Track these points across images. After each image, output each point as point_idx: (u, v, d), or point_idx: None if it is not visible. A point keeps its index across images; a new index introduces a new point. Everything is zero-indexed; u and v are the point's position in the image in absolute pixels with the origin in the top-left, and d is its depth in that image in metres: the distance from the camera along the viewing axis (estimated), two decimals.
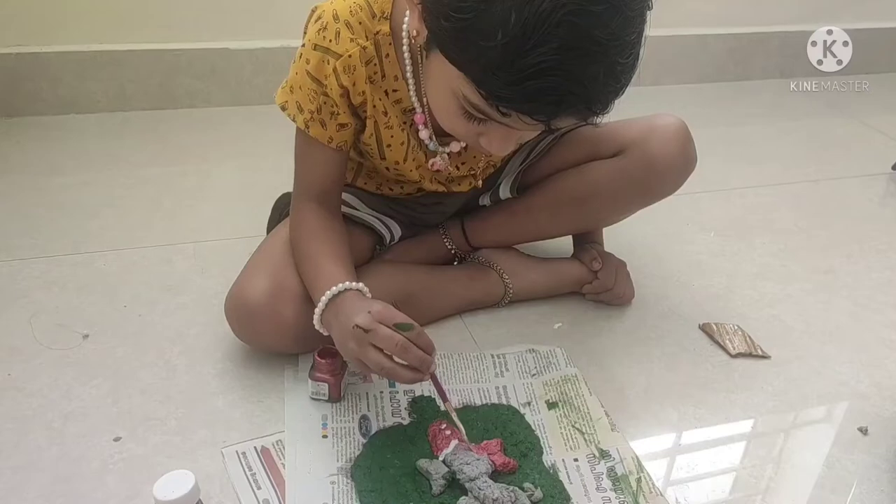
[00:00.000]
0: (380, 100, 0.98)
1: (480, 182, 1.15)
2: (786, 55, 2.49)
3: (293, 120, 0.98)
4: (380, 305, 0.86)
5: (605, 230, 1.29)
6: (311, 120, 0.97)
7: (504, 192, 1.18)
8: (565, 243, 1.30)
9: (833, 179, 1.80)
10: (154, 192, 1.54)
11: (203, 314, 1.14)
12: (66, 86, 1.86)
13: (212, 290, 1.18)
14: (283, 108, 0.98)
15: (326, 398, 0.97)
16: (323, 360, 0.96)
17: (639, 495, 0.87)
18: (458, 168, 1.10)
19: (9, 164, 1.62)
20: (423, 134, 1.01)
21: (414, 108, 0.99)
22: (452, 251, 1.23)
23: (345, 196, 1.13)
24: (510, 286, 1.18)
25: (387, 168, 1.07)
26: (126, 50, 1.87)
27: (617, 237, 1.30)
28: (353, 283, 0.91)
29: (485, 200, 1.21)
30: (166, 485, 0.74)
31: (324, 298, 0.90)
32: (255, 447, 0.91)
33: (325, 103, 0.96)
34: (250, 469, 0.88)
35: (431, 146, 1.03)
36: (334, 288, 0.90)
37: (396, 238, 1.18)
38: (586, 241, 1.25)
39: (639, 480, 0.88)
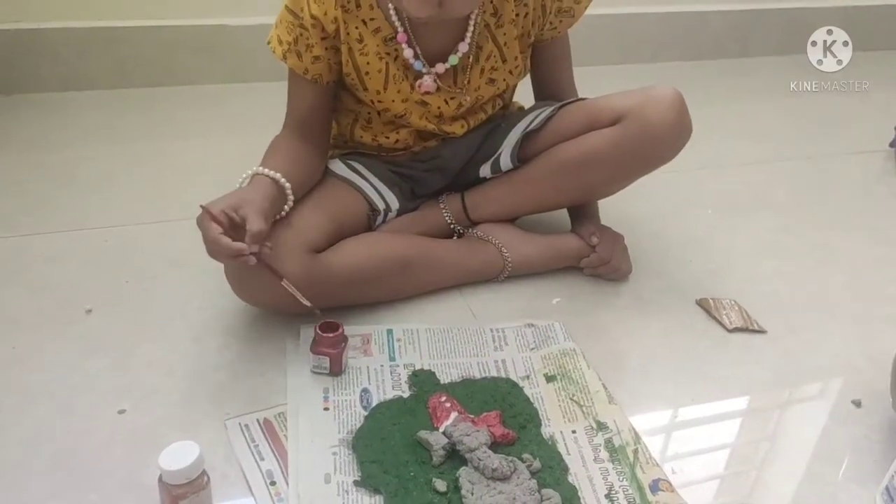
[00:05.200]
0: (356, 28, 1.05)
1: (470, 123, 1.19)
2: (786, 32, 2.49)
3: (273, 52, 1.08)
4: (211, 203, 0.93)
5: (602, 207, 1.29)
6: (288, 51, 1.07)
7: (505, 161, 1.19)
8: (563, 220, 1.30)
9: (830, 156, 1.81)
10: (154, 169, 1.55)
11: (204, 289, 1.15)
12: (64, 63, 1.85)
13: (213, 265, 1.16)
14: (269, 42, 1.08)
15: (328, 372, 0.98)
16: (324, 334, 0.97)
17: (636, 466, 0.88)
18: (447, 103, 1.14)
19: (8, 141, 1.62)
20: (407, 53, 1.08)
21: (395, 34, 1.06)
22: (451, 225, 1.24)
23: (351, 161, 1.19)
24: (508, 260, 1.19)
25: (371, 101, 1.12)
26: (125, 26, 1.87)
27: (615, 213, 1.31)
28: (262, 169, 1.00)
29: (485, 171, 1.22)
30: (172, 455, 0.76)
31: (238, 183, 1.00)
32: (257, 419, 0.92)
33: (301, 35, 1.06)
34: (253, 440, 0.89)
35: (417, 65, 1.09)
36: (246, 173, 1.00)
37: (393, 210, 1.20)
38: (584, 216, 1.26)
39: (636, 452, 0.90)
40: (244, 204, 0.93)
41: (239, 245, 0.90)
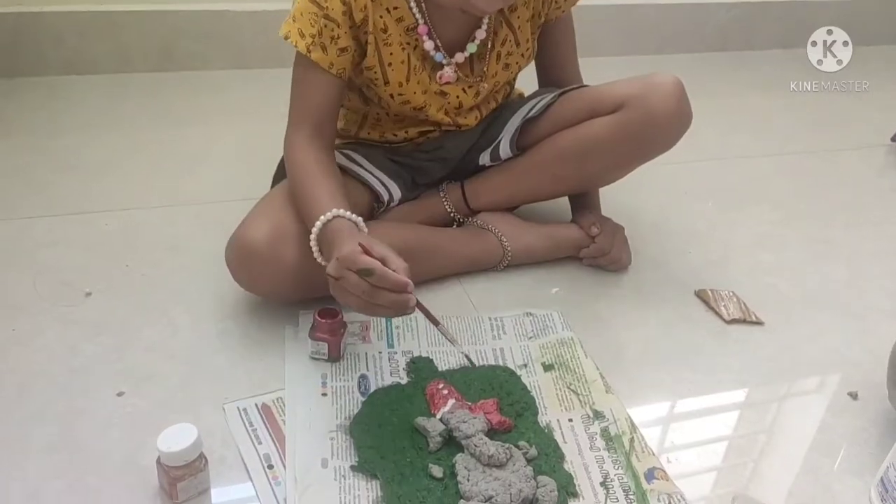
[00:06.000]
0: (380, 17, 1.03)
1: (483, 112, 1.19)
2: (789, 25, 2.48)
3: (295, 46, 1.02)
4: (347, 248, 0.85)
5: (603, 198, 1.29)
6: (312, 44, 1.01)
7: (504, 149, 1.19)
8: (564, 210, 1.31)
9: (832, 150, 1.81)
10: (156, 154, 1.55)
11: (205, 275, 1.15)
12: (67, 47, 1.85)
13: (213, 252, 1.17)
14: (286, 38, 1.03)
15: (326, 357, 0.98)
16: (323, 320, 0.97)
17: (631, 455, 0.88)
18: (465, 91, 1.13)
19: (11, 125, 1.63)
20: (428, 45, 1.07)
21: (416, 25, 1.05)
22: (451, 214, 1.24)
23: (348, 151, 1.17)
24: (508, 249, 1.20)
25: (391, 96, 1.10)
26: (127, 11, 1.86)
27: (615, 204, 1.31)
28: (341, 211, 0.93)
29: (485, 159, 1.22)
30: (170, 437, 0.76)
31: (315, 230, 0.93)
32: (255, 404, 0.92)
33: (325, 27, 1.01)
34: (251, 425, 0.89)
35: (438, 57, 1.09)
36: (323, 217, 0.92)
37: (396, 200, 1.19)
38: (584, 207, 1.26)
39: (632, 441, 0.90)
40: (372, 243, 0.86)
41: (405, 278, 0.83)
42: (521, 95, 1.30)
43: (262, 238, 0.98)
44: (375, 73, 1.08)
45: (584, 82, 1.24)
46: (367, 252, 0.84)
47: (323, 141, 1.06)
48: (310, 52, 1.01)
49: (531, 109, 1.18)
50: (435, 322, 0.92)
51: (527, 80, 1.29)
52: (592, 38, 2.01)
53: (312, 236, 0.94)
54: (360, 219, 0.94)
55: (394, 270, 0.83)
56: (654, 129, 1.10)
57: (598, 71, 1.34)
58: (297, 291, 1.04)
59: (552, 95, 1.18)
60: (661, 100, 1.09)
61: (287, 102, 1.09)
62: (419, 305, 0.88)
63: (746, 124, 1.93)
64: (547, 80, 1.27)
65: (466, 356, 0.94)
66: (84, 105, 1.75)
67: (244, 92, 1.90)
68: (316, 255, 0.95)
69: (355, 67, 1.08)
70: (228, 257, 1.03)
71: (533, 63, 1.24)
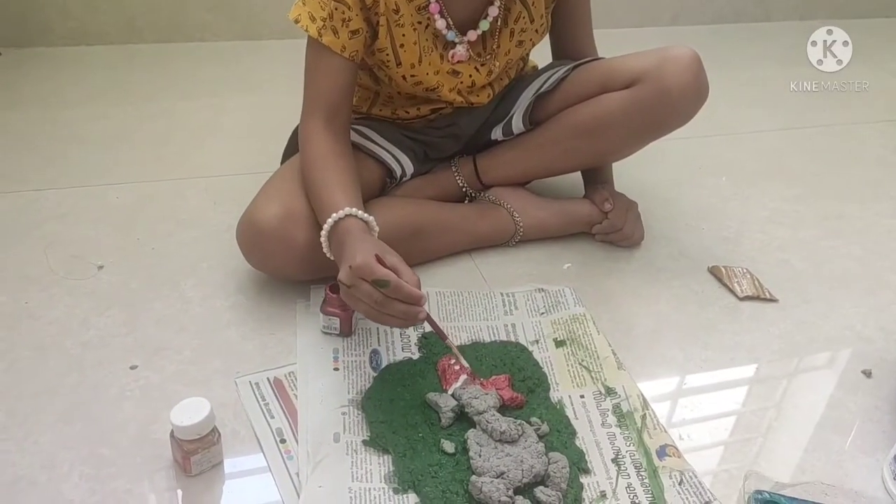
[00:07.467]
0: None
1: (496, 89, 1.17)
2: None
3: (306, 30, 1.00)
4: (362, 258, 0.83)
5: (616, 173, 1.28)
6: (323, 28, 0.99)
7: (517, 123, 1.18)
8: (577, 185, 1.30)
9: (848, 124, 1.79)
10: (165, 127, 1.54)
11: (215, 248, 1.15)
12: (75, 17, 1.84)
13: (224, 225, 1.19)
14: (297, 21, 1.01)
15: (337, 332, 0.98)
16: (334, 295, 0.97)
17: (643, 432, 0.88)
18: (477, 70, 1.12)
19: (20, 96, 1.62)
20: (440, 24, 1.05)
21: (428, 3, 1.03)
22: (464, 189, 1.23)
23: (360, 127, 1.15)
24: (520, 224, 1.19)
25: (404, 77, 1.08)
26: None
27: (628, 179, 1.30)
28: (354, 210, 0.92)
29: (497, 134, 1.21)
30: (183, 411, 0.77)
31: (326, 227, 0.92)
32: (267, 378, 0.92)
33: (336, 9, 0.99)
34: (263, 399, 0.90)
35: (450, 36, 1.07)
36: (335, 215, 0.91)
37: (408, 174, 1.19)
38: (598, 182, 1.25)
39: (643, 417, 0.90)
40: (385, 252, 0.86)
41: (419, 291, 0.83)
42: (534, 68, 1.28)
43: (273, 219, 0.98)
44: (387, 54, 1.06)
45: (599, 54, 1.22)
46: (380, 262, 0.83)
47: (338, 126, 1.04)
48: (321, 36, 0.99)
49: (544, 83, 1.16)
50: (443, 336, 0.91)
51: (541, 52, 1.27)
52: (607, 9, 1.98)
53: (323, 233, 0.93)
54: (371, 218, 0.93)
55: (406, 282, 0.83)
56: (667, 105, 1.09)
57: (613, 43, 1.32)
58: (308, 272, 1.03)
59: (566, 69, 1.16)
60: (677, 74, 1.07)
61: (296, 75, 1.08)
62: (428, 318, 0.88)
63: (761, 98, 1.91)
64: (561, 52, 1.25)
65: (469, 371, 0.92)
66: (93, 76, 1.74)
67: (254, 63, 1.89)
68: (325, 250, 0.94)
69: (367, 49, 1.05)
70: (240, 238, 1.02)
71: (547, 35, 1.23)
